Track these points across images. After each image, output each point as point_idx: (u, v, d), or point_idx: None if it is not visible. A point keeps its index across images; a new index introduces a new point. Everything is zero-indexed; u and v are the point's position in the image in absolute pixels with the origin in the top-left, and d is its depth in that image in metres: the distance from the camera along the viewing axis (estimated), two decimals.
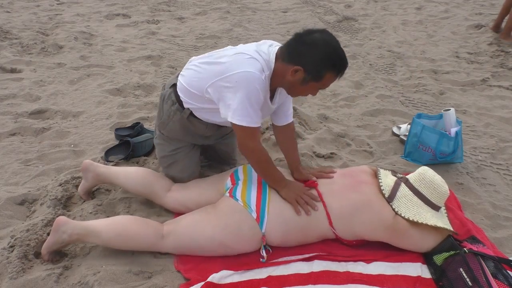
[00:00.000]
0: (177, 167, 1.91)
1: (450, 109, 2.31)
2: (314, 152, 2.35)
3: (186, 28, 4.52)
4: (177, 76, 1.81)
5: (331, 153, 2.36)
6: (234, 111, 1.54)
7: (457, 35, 4.44)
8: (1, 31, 3.93)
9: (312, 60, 1.51)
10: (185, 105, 1.76)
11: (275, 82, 1.62)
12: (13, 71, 3.28)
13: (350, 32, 4.57)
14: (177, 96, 1.78)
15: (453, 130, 2.24)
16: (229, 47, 1.73)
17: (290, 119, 1.88)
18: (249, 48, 1.62)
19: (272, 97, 1.71)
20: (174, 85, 1.81)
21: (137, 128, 2.38)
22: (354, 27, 4.69)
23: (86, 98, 2.90)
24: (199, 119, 1.79)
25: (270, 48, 1.63)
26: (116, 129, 2.42)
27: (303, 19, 4.90)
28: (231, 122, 1.57)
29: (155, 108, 2.80)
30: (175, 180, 1.93)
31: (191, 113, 1.77)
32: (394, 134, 2.60)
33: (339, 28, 4.68)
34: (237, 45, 1.72)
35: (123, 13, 4.88)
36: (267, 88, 1.61)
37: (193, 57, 1.83)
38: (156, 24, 4.63)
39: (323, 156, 2.34)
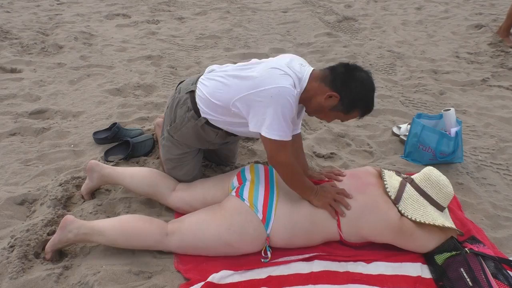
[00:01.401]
0: (182, 170, 1.91)
1: (450, 109, 2.32)
2: (314, 152, 2.35)
3: (186, 28, 4.52)
4: (195, 83, 1.79)
5: (331, 153, 2.36)
6: (268, 126, 1.54)
7: (457, 35, 4.44)
8: (1, 31, 3.92)
9: (353, 94, 1.58)
10: (202, 114, 1.74)
11: (304, 99, 1.66)
12: (13, 71, 3.28)
13: (350, 32, 4.57)
14: (194, 103, 1.76)
15: (453, 130, 2.24)
16: (255, 60, 1.75)
17: (298, 130, 1.91)
18: (281, 63, 1.63)
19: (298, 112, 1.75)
20: (191, 92, 1.78)
21: (114, 129, 2.35)
22: (354, 27, 4.69)
23: (86, 98, 2.90)
24: (212, 127, 1.78)
25: (302, 67, 1.66)
26: (94, 133, 2.40)
27: (303, 19, 4.90)
28: (263, 136, 1.57)
29: (155, 108, 2.80)
30: (178, 181, 1.93)
31: (206, 122, 1.75)
32: (394, 134, 2.60)
33: (339, 28, 4.68)
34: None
35: (123, 13, 4.88)
36: (297, 103, 1.63)
37: (215, 66, 1.83)
38: (156, 24, 4.62)
39: (323, 156, 2.34)
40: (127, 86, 3.08)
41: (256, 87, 1.56)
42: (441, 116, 2.38)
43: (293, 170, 1.65)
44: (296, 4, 5.51)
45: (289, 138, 1.60)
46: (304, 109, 1.76)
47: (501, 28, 4.17)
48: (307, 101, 1.66)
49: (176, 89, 1.89)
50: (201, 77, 1.80)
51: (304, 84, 1.62)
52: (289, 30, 4.44)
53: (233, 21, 4.72)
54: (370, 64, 3.70)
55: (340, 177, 1.78)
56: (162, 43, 4.04)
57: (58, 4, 5.08)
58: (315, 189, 1.69)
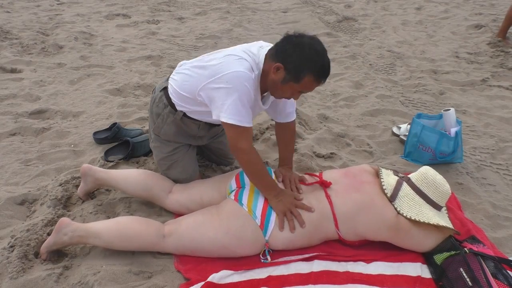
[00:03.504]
0: (177, 168, 1.91)
1: (450, 109, 2.32)
2: (314, 152, 2.36)
3: (186, 28, 4.52)
4: (167, 80, 1.83)
5: (331, 153, 2.36)
6: (225, 111, 1.54)
7: (457, 35, 4.44)
8: (1, 31, 3.93)
9: (294, 59, 1.51)
10: (178, 108, 1.77)
11: (264, 82, 1.63)
12: (13, 71, 3.28)
13: (350, 32, 4.57)
14: (169, 99, 1.79)
15: (453, 130, 2.24)
16: (218, 50, 1.75)
17: (291, 118, 1.89)
18: (237, 49, 1.64)
19: (263, 97, 1.73)
20: (164, 88, 1.82)
21: (114, 129, 2.36)
22: (354, 27, 4.69)
23: (86, 98, 2.90)
24: (192, 119, 1.80)
25: (260, 49, 1.65)
26: (94, 133, 2.41)
27: (303, 19, 4.90)
28: (222, 122, 1.57)
29: None
30: (176, 182, 1.92)
31: (184, 114, 1.78)
32: (394, 134, 2.60)
33: (339, 28, 4.68)
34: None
35: (123, 13, 4.88)
36: (257, 87, 1.62)
37: (184, 61, 1.86)
38: (156, 24, 4.63)
39: (323, 156, 2.34)
40: (127, 86, 3.08)
41: (213, 75, 1.57)
42: (441, 116, 2.38)
43: (252, 160, 1.63)
44: (296, 4, 5.52)
45: (249, 125, 1.58)
46: (270, 96, 1.74)
47: (499, 29, 4.17)
48: (266, 82, 1.63)
49: (152, 91, 1.93)
50: (172, 72, 1.84)
51: (261, 66, 1.61)
52: (289, 30, 4.44)
53: (233, 21, 4.72)
54: (370, 64, 3.70)
55: (334, 175, 1.76)
56: (162, 43, 4.04)
57: (58, 4, 5.09)
58: (275, 190, 1.66)
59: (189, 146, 1.95)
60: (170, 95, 1.78)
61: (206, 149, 2.13)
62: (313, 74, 1.53)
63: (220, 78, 1.55)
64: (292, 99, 1.80)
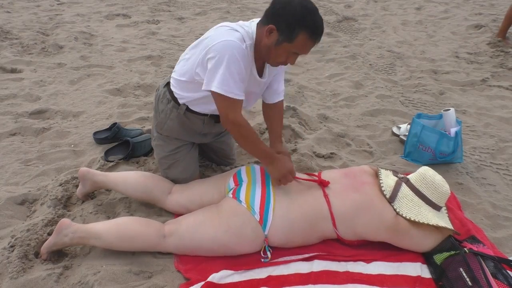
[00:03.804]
0: (178, 167, 1.90)
1: (450, 109, 2.32)
2: (314, 152, 2.36)
3: (186, 28, 4.52)
4: (170, 76, 1.84)
5: (331, 153, 2.36)
6: (214, 81, 1.52)
7: (457, 35, 4.45)
8: (1, 31, 3.93)
9: (285, 18, 1.49)
10: (180, 101, 1.77)
11: (259, 51, 1.61)
12: (13, 71, 3.28)
13: (350, 32, 4.57)
14: (172, 93, 1.79)
15: (453, 130, 2.24)
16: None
17: (280, 98, 1.89)
18: (229, 23, 1.64)
19: (261, 70, 1.71)
20: (168, 84, 1.83)
21: (114, 129, 2.35)
22: (354, 27, 4.69)
23: (86, 98, 2.90)
24: (196, 113, 1.79)
25: (252, 22, 1.65)
26: (94, 133, 2.41)
27: None
28: (213, 93, 1.54)
29: None
30: (176, 182, 1.92)
31: (187, 108, 1.78)
32: (394, 134, 2.61)
33: (339, 28, 4.68)
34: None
35: (123, 13, 4.88)
36: (249, 58, 1.59)
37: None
38: (156, 24, 4.63)
39: (323, 156, 2.34)
40: (127, 86, 3.08)
41: (205, 47, 1.57)
42: (441, 116, 2.39)
43: (245, 132, 1.62)
44: None
45: (238, 97, 1.55)
46: (269, 68, 1.73)
47: (499, 29, 4.18)
48: (260, 51, 1.60)
49: (156, 89, 1.94)
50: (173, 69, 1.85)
51: (254, 36, 1.59)
52: None
53: (233, 21, 4.69)
54: (370, 64, 3.70)
55: (333, 174, 1.78)
56: (162, 43, 4.04)
57: (58, 4, 5.09)
58: (271, 157, 1.68)
59: (191, 145, 1.95)
60: (172, 88, 1.78)
61: (207, 149, 2.12)
62: (306, 31, 1.50)
63: (210, 49, 1.54)
64: (282, 79, 1.83)
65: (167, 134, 1.88)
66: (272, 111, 1.91)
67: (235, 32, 1.56)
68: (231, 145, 2.15)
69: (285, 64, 1.65)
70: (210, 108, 1.74)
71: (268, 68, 1.73)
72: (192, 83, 1.69)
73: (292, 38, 1.51)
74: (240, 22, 1.67)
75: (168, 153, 1.89)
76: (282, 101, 1.91)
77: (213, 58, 1.52)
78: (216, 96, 1.55)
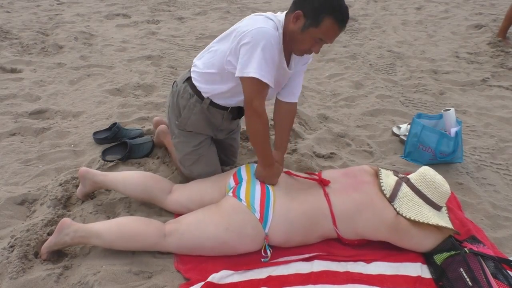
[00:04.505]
0: (202, 163, 1.92)
1: (450, 109, 2.32)
2: (314, 152, 2.35)
3: (186, 28, 4.52)
4: (188, 71, 1.84)
5: (331, 153, 2.36)
6: (249, 65, 1.52)
7: (457, 35, 4.44)
8: (1, 31, 3.92)
9: (311, 2, 1.51)
10: (205, 95, 1.78)
11: (286, 42, 1.63)
12: (13, 71, 3.28)
13: (350, 32, 4.57)
14: (194, 88, 1.80)
15: (453, 130, 2.24)
16: None
17: (295, 99, 1.86)
18: (262, 13, 1.66)
19: (288, 61, 1.72)
20: (188, 79, 1.83)
21: (114, 129, 2.35)
22: (354, 27, 4.69)
23: (86, 98, 2.90)
24: (217, 107, 1.81)
25: (281, 13, 1.67)
26: (94, 133, 2.40)
27: None
28: (242, 78, 1.56)
29: (155, 108, 2.80)
30: (199, 177, 1.92)
31: (211, 102, 1.79)
32: (394, 134, 2.60)
33: None
34: None
35: (123, 13, 4.88)
36: (281, 47, 1.62)
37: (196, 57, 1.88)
38: (156, 24, 4.63)
39: (323, 156, 2.34)
40: (127, 86, 3.08)
41: (240, 34, 1.58)
42: (441, 116, 2.39)
43: (262, 126, 1.63)
44: None
45: (269, 82, 1.55)
46: (295, 59, 1.74)
47: (499, 29, 4.18)
48: (289, 39, 1.62)
49: (172, 87, 1.93)
50: (192, 65, 1.85)
51: (283, 24, 1.62)
52: None
53: (233, 21, 4.71)
54: (370, 64, 3.70)
55: (334, 174, 1.79)
56: (162, 43, 4.04)
57: (58, 4, 5.09)
58: (271, 163, 1.70)
59: (210, 140, 1.97)
60: (195, 82, 1.78)
61: (218, 144, 2.11)
62: (333, 15, 1.51)
63: (246, 34, 1.55)
64: (301, 79, 1.81)
65: (191, 129, 1.88)
66: (283, 112, 1.88)
67: (269, 21, 1.58)
68: (238, 144, 2.17)
69: (310, 52, 1.65)
70: (235, 100, 1.76)
71: (294, 60, 1.74)
72: (220, 74, 1.70)
73: (318, 22, 1.52)
74: (270, 13, 1.68)
75: (192, 149, 1.90)
76: (295, 104, 1.89)
77: (248, 43, 1.53)
78: (248, 81, 1.55)
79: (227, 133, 2.02)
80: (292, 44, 1.63)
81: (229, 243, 1.59)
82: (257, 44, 1.52)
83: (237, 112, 1.89)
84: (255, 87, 1.55)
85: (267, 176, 1.71)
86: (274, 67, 1.58)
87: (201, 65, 1.77)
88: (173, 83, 1.93)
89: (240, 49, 1.56)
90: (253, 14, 1.68)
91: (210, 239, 1.59)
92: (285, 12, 1.66)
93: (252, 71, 1.51)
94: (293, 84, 1.84)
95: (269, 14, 1.65)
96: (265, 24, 1.55)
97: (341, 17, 1.53)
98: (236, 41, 1.58)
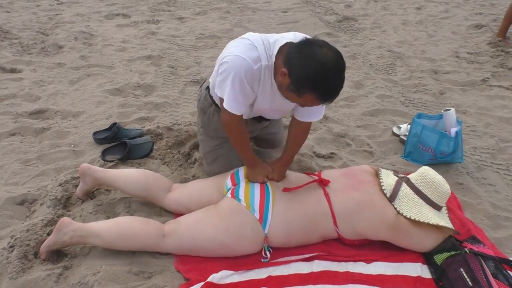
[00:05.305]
0: (221, 162, 1.95)
1: (450, 109, 2.31)
2: (314, 152, 2.35)
3: (186, 28, 4.52)
4: (209, 77, 1.86)
5: (331, 153, 2.36)
6: (222, 91, 1.57)
7: (457, 35, 4.44)
8: (1, 31, 3.92)
9: (297, 71, 1.39)
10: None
11: (276, 77, 1.55)
12: (13, 71, 3.28)
13: (350, 32, 4.57)
14: (212, 97, 1.83)
15: (453, 130, 2.24)
16: None
17: (310, 120, 1.73)
18: (255, 35, 1.59)
19: None
20: (207, 87, 1.85)
21: (114, 129, 2.35)
22: (354, 27, 4.69)
23: (86, 98, 2.90)
24: None
25: (276, 41, 1.55)
26: (94, 133, 2.40)
27: (303, 19, 4.90)
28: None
29: (155, 108, 2.79)
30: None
31: None
32: (394, 134, 2.60)
33: (339, 28, 4.67)
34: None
35: (123, 13, 4.88)
36: (262, 78, 1.55)
37: None
38: (156, 24, 4.62)
39: (323, 156, 2.34)
40: (127, 86, 3.08)
41: (219, 61, 1.60)
42: (441, 116, 2.38)
43: (236, 135, 1.70)
44: (296, 4, 5.51)
45: (239, 113, 1.59)
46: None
47: (499, 29, 4.17)
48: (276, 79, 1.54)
49: (199, 88, 1.99)
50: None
51: (274, 59, 1.52)
52: (289, 30, 4.42)
53: (233, 21, 4.71)
54: (370, 64, 3.70)
55: (334, 174, 1.78)
56: (162, 43, 4.04)
57: (58, 4, 5.08)
58: (254, 163, 1.75)
59: None
60: (211, 93, 1.82)
61: (257, 140, 2.15)
62: (314, 92, 1.40)
63: (222, 63, 1.56)
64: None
65: (212, 134, 1.94)
66: (298, 129, 1.77)
67: (253, 50, 1.52)
68: (280, 132, 2.19)
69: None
70: (249, 113, 1.77)
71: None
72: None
73: (299, 94, 1.43)
74: (265, 35, 1.61)
75: (212, 148, 1.95)
76: (310, 123, 1.78)
77: (222, 73, 1.55)
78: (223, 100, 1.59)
79: (261, 131, 2.04)
80: (280, 90, 1.54)
81: (229, 244, 1.59)
82: (228, 75, 1.52)
83: (259, 116, 1.87)
84: (224, 111, 1.60)
85: (250, 174, 1.74)
86: (246, 96, 1.57)
87: (211, 79, 1.79)
88: (200, 85, 1.97)
89: (217, 77, 1.60)
90: (245, 35, 1.61)
91: (210, 240, 1.58)
92: (280, 42, 1.53)
93: (225, 99, 1.56)
94: (312, 109, 1.66)
95: (260, 39, 1.55)
96: (244, 54, 1.50)
97: (325, 96, 1.41)
98: (216, 70, 1.62)
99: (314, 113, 1.70)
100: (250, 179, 1.74)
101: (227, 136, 1.75)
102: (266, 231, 1.59)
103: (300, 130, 1.78)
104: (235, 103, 1.56)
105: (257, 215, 1.58)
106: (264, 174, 1.74)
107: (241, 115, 1.62)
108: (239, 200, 1.63)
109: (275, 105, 1.69)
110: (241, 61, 1.50)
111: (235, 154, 1.93)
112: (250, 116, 1.82)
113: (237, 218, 1.59)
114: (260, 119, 1.89)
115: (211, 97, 1.83)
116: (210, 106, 1.86)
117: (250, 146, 1.78)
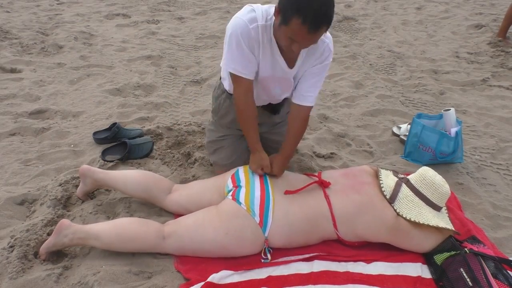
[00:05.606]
0: (221, 153, 2.00)
1: (450, 109, 2.31)
2: (314, 152, 2.35)
3: (186, 28, 4.52)
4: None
5: (331, 153, 2.36)
6: (224, 56, 1.64)
7: (457, 35, 4.44)
8: (1, 31, 3.92)
9: (284, 0, 1.43)
10: (231, 92, 1.84)
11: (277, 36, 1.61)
12: (13, 71, 3.28)
13: (350, 32, 4.57)
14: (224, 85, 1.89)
15: (453, 130, 2.24)
16: None
17: (306, 102, 1.73)
18: (259, 4, 1.67)
19: (292, 59, 1.68)
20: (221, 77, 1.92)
21: (114, 129, 2.35)
22: (354, 27, 4.69)
23: (86, 98, 2.90)
24: None
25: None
26: (94, 133, 2.40)
27: None
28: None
29: (155, 108, 2.79)
30: (218, 166, 2.01)
31: None
32: (394, 134, 2.60)
33: (339, 28, 4.67)
34: None
35: (123, 13, 4.88)
36: (258, 40, 1.60)
37: None
38: (156, 24, 4.62)
39: (323, 156, 2.34)
40: (127, 86, 3.08)
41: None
42: (441, 116, 2.38)
43: (243, 114, 1.72)
44: None
45: (242, 75, 1.63)
46: (303, 60, 1.69)
47: (499, 29, 4.17)
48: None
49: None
50: None
51: (272, 20, 1.59)
52: None
53: None
54: (370, 64, 3.70)
55: (333, 175, 1.79)
56: (162, 43, 4.04)
57: (58, 4, 5.08)
58: (252, 149, 1.78)
59: (240, 136, 1.99)
60: (222, 81, 1.88)
61: (264, 140, 2.06)
62: (298, 15, 1.37)
63: (227, 27, 1.64)
64: (316, 82, 1.72)
65: (220, 121, 1.98)
66: (292, 115, 1.78)
67: (251, 12, 1.60)
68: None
69: (290, 50, 1.54)
70: (260, 98, 1.80)
71: (301, 59, 1.69)
72: (230, 79, 1.76)
73: (286, 20, 1.43)
74: (268, 5, 1.66)
75: (216, 138, 2.01)
76: (306, 109, 1.75)
77: (225, 39, 1.63)
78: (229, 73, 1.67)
79: (270, 127, 2.05)
80: (277, 38, 1.58)
81: (229, 247, 1.58)
82: (227, 35, 1.61)
83: (271, 107, 1.92)
84: (233, 78, 1.65)
85: (252, 166, 1.76)
86: (246, 58, 1.61)
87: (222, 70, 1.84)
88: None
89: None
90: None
91: (209, 243, 1.58)
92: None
93: (226, 63, 1.62)
94: (303, 86, 1.73)
95: (261, 6, 1.64)
96: (241, 15, 1.59)
97: (310, 18, 1.37)
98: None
99: (305, 96, 1.74)
100: (249, 166, 1.77)
101: (235, 109, 1.76)
102: (266, 234, 1.59)
103: (299, 120, 1.78)
104: (233, 62, 1.61)
105: (257, 219, 1.58)
106: (259, 164, 1.74)
107: (248, 85, 1.66)
108: (239, 203, 1.62)
109: (277, 73, 1.72)
110: (238, 20, 1.59)
111: (237, 148, 1.99)
112: (259, 102, 1.85)
113: (238, 222, 1.58)
114: (270, 110, 1.92)
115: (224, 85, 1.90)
116: (223, 93, 1.91)
117: (257, 129, 1.78)
